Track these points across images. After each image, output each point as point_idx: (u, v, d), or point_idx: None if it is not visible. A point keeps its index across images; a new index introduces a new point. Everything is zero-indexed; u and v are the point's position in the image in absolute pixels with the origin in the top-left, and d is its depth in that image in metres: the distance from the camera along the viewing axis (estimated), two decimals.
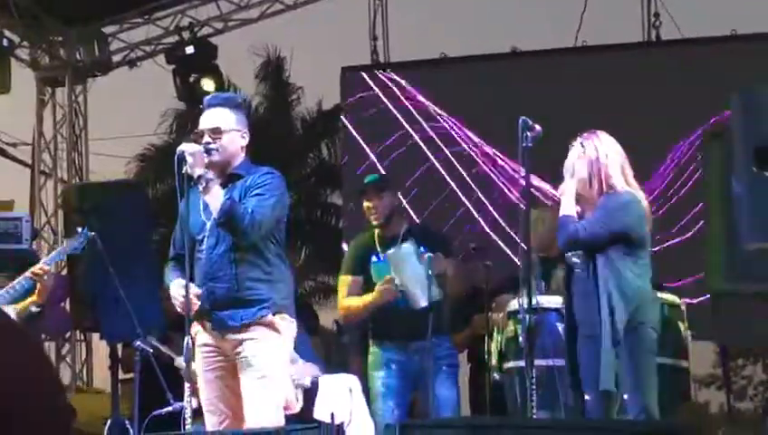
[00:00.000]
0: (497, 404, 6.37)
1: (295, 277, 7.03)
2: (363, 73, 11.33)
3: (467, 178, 10.74)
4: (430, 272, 6.09)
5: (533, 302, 5.28)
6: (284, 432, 4.95)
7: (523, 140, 5.21)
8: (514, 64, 11.15)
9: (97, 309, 6.98)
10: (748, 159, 5.16)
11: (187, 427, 5.18)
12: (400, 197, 6.96)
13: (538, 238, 5.90)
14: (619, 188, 5.22)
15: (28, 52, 12.37)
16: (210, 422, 5.11)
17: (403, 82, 11.08)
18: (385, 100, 11.07)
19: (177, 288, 5.05)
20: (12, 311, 5.84)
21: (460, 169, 10.77)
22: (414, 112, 10.95)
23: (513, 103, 9.43)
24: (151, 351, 6.58)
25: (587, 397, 5.26)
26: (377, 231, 6.53)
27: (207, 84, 11.74)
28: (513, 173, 10.32)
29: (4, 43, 11.50)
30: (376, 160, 10.84)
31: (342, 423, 5.62)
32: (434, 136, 10.86)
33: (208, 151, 5.07)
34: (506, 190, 10.58)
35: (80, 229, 6.14)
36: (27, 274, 5.95)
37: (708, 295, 7.14)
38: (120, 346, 7.54)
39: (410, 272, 6.17)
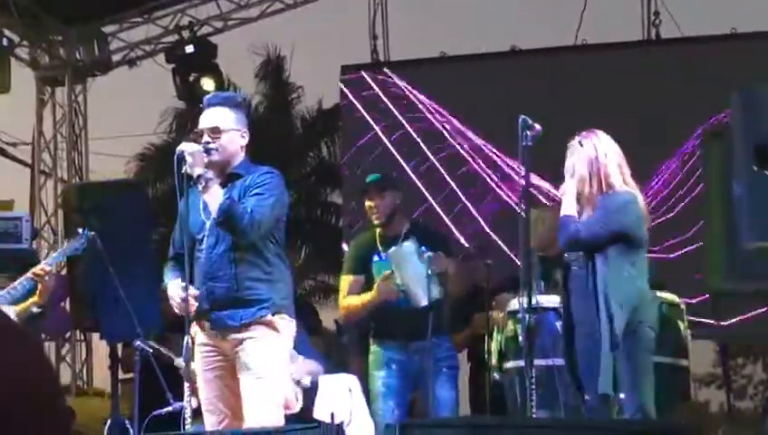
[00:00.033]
0: (497, 404, 6.38)
1: (295, 277, 7.04)
2: (363, 72, 11.33)
3: (467, 177, 10.74)
4: (430, 271, 6.09)
5: (533, 301, 5.28)
6: (284, 432, 4.94)
7: (523, 139, 5.21)
8: (514, 63, 11.15)
9: (97, 309, 6.98)
10: (748, 158, 5.16)
11: (186, 427, 5.18)
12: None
13: (538, 238, 5.90)
14: (618, 187, 5.22)
15: (28, 51, 12.37)
16: (209, 422, 5.11)
17: (403, 81, 11.08)
18: (385, 99, 11.07)
19: (175, 289, 5.05)
20: (12, 311, 5.83)
21: (460, 167, 10.76)
22: (414, 111, 10.95)
23: (512, 102, 9.44)
24: (151, 351, 6.58)
25: (586, 396, 5.26)
26: (378, 230, 6.52)
27: (207, 83, 11.74)
28: (511, 172, 10.31)
29: (4, 42, 11.51)
30: (375, 159, 10.84)
31: (342, 423, 5.62)
32: (433, 135, 10.86)
33: (208, 151, 5.07)
34: (505, 189, 10.57)
35: (80, 230, 6.14)
36: (28, 274, 5.94)
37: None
38: (119, 346, 7.55)
39: (411, 271, 6.17)
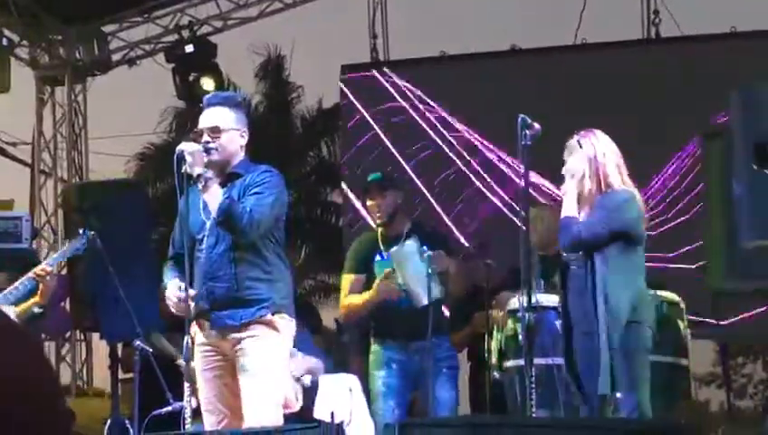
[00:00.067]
0: (497, 402, 6.37)
1: (295, 276, 7.04)
2: (363, 72, 11.33)
3: (467, 176, 10.73)
4: (430, 270, 6.09)
5: (533, 300, 5.27)
6: (284, 432, 4.94)
7: (522, 138, 5.20)
8: (514, 62, 11.15)
9: (97, 309, 6.98)
10: (748, 157, 5.16)
11: (186, 426, 5.18)
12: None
13: (537, 237, 5.90)
14: (616, 186, 5.22)
15: (28, 51, 12.38)
16: (209, 422, 5.11)
17: (403, 80, 11.08)
18: (385, 98, 11.07)
19: (172, 289, 5.05)
20: (13, 312, 5.84)
21: (460, 166, 10.76)
22: (414, 111, 10.95)
23: (512, 101, 9.44)
24: (151, 351, 6.58)
25: (585, 395, 5.25)
26: (380, 230, 6.52)
27: (207, 83, 11.74)
28: (510, 171, 10.31)
29: (4, 42, 11.52)
30: (375, 158, 10.84)
31: (342, 423, 5.62)
32: (431, 132, 10.86)
33: (207, 150, 5.07)
34: (505, 188, 10.57)
35: (81, 230, 6.14)
36: (30, 275, 5.94)
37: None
38: (119, 346, 7.55)
39: (413, 270, 6.16)
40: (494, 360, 6.36)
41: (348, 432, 6.12)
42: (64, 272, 6.62)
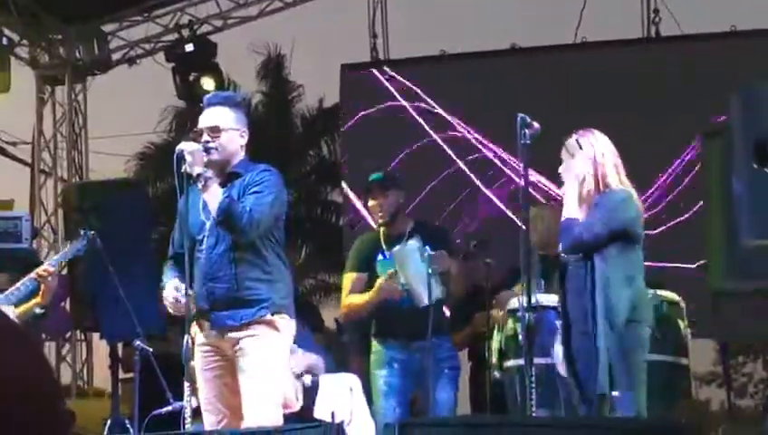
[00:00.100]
0: (498, 402, 6.37)
1: (295, 276, 7.03)
2: (363, 71, 11.33)
3: (467, 175, 10.73)
4: (431, 269, 6.08)
5: (533, 300, 5.27)
6: (284, 431, 4.94)
7: (522, 138, 5.20)
8: (514, 61, 11.15)
9: (97, 308, 6.99)
10: (748, 156, 5.16)
11: (186, 426, 5.18)
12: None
13: (537, 236, 5.90)
14: (614, 186, 5.22)
15: (27, 50, 12.37)
16: (208, 422, 5.11)
17: (403, 79, 11.08)
18: (385, 97, 11.06)
19: (169, 289, 5.06)
20: (15, 312, 5.84)
21: (460, 164, 10.76)
22: (414, 110, 10.95)
23: (512, 100, 9.44)
24: (151, 350, 6.58)
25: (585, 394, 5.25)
26: (382, 229, 6.52)
27: (207, 82, 11.74)
28: (510, 171, 10.31)
29: (4, 41, 11.51)
30: (375, 158, 10.84)
31: (343, 422, 5.61)
32: (432, 131, 10.86)
33: (207, 150, 5.07)
34: (505, 187, 10.57)
35: (82, 231, 6.14)
36: (32, 275, 5.95)
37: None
38: (120, 346, 7.55)
39: (414, 270, 6.16)
40: (494, 359, 6.36)
41: (348, 432, 6.12)
42: (64, 272, 6.62)
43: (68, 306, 7.60)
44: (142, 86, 14.50)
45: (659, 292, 6.04)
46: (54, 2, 11.89)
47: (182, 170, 5.02)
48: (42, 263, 6.28)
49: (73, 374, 12.00)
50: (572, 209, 5.19)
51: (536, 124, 5.20)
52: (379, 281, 6.31)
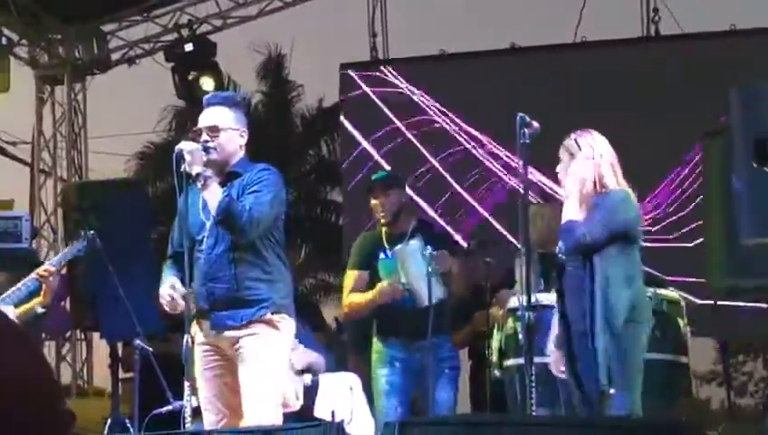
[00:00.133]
0: (498, 401, 6.38)
1: (295, 275, 7.03)
2: (362, 70, 11.33)
3: (466, 174, 10.73)
4: (431, 269, 6.08)
5: (532, 299, 5.26)
6: (284, 430, 4.94)
7: (521, 137, 5.19)
8: (514, 60, 11.14)
9: (97, 308, 6.99)
10: (748, 155, 5.16)
11: (186, 426, 5.17)
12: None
13: (537, 235, 5.89)
14: (612, 186, 5.22)
15: (27, 50, 12.37)
16: (208, 421, 5.10)
17: (402, 78, 11.08)
18: (384, 97, 11.06)
19: (165, 288, 5.06)
20: (16, 312, 5.84)
21: (460, 164, 10.76)
22: (413, 109, 10.95)
23: (512, 99, 9.44)
24: (151, 350, 6.58)
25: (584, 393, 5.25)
26: (384, 228, 6.51)
27: (207, 82, 11.73)
28: (509, 171, 10.31)
29: (3, 41, 11.51)
30: (376, 157, 10.83)
31: (343, 421, 5.61)
32: (433, 132, 10.86)
33: (206, 150, 5.07)
34: (505, 186, 10.57)
35: (83, 232, 6.14)
36: (33, 275, 5.95)
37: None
38: (120, 345, 7.55)
39: (416, 269, 6.16)
40: (494, 358, 6.36)
41: (349, 431, 6.12)
42: (64, 271, 6.62)
43: (68, 306, 7.60)
44: (142, 86, 14.51)
45: (660, 290, 6.04)
46: (54, 2, 11.89)
47: (181, 170, 5.02)
48: (41, 263, 6.28)
49: (73, 374, 12.00)
50: (573, 211, 5.18)
51: (535, 123, 5.19)
52: (382, 285, 6.31)
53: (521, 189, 5.30)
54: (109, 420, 7.04)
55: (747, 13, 11.44)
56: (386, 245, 6.43)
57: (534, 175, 8.16)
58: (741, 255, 6.00)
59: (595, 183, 5.20)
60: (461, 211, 10.65)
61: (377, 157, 10.83)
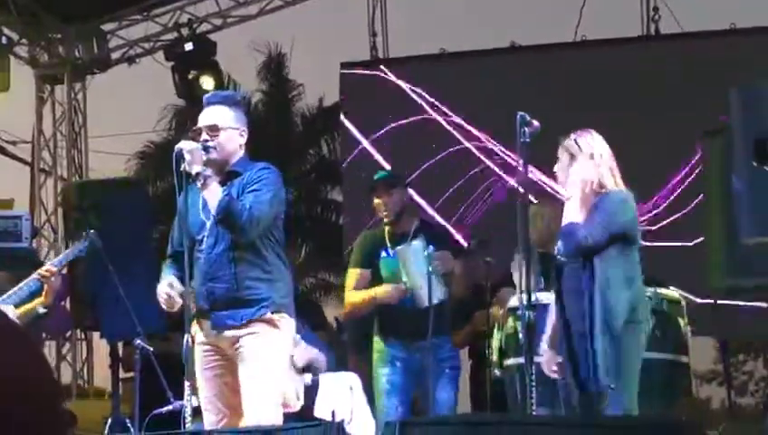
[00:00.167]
0: (498, 400, 6.38)
1: (295, 274, 7.03)
2: (362, 69, 11.33)
3: (466, 173, 10.73)
4: (431, 268, 6.08)
5: (532, 298, 5.26)
6: (285, 430, 4.94)
7: (521, 136, 5.19)
8: (514, 59, 11.14)
9: (97, 308, 6.99)
10: (748, 154, 5.16)
11: (187, 425, 5.18)
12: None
13: (537, 234, 5.89)
14: (611, 187, 5.21)
15: (27, 49, 12.38)
16: (208, 421, 5.11)
17: (402, 77, 11.08)
18: (384, 96, 11.06)
19: (162, 286, 5.06)
20: (18, 312, 5.84)
21: (460, 163, 10.76)
22: (413, 108, 10.95)
23: (512, 98, 9.44)
24: (151, 350, 6.58)
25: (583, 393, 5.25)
26: (387, 227, 6.51)
27: (207, 81, 11.74)
28: (509, 171, 10.31)
29: (3, 40, 11.51)
30: (376, 156, 10.84)
31: (343, 421, 5.61)
32: (433, 131, 10.86)
33: (206, 149, 5.07)
34: (505, 185, 10.57)
35: (85, 232, 6.14)
36: (34, 275, 5.95)
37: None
38: (120, 345, 7.55)
39: (417, 269, 6.16)
40: (494, 358, 6.36)
41: (349, 431, 6.12)
42: (64, 271, 6.62)
43: (68, 305, 7.60)
44: (142, 85, 14.56)
45: (660, 290, 6.04)
46: (54, 1, 11.90)
47: (181, 169, 5.02)
48: (41, 262, 6.29)
49: (74, 374, 12.00)
50: (574, 212, 5.18)
51: (535, 122, 5.19)
52: (387, 288, 6.31)
53: (521, 189, 5.30)
54: (109, 420, 7.04)
55: (747, 12, 11.45)
56: (388, 244, 6.44)
57: (535, 174, 8.17)
58: (741, 254, 6.00)
59: (593, 183, 5.20)
60: (461, 211, 10.65)
61: (377, 156, 10.85)
